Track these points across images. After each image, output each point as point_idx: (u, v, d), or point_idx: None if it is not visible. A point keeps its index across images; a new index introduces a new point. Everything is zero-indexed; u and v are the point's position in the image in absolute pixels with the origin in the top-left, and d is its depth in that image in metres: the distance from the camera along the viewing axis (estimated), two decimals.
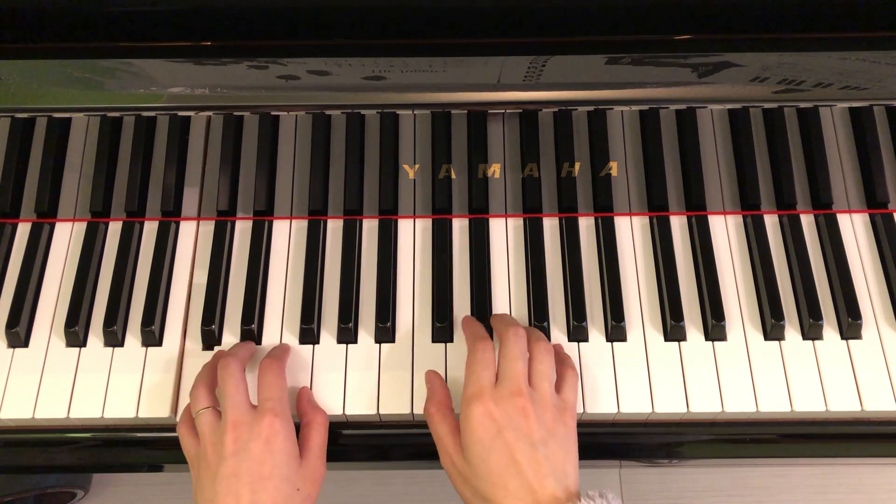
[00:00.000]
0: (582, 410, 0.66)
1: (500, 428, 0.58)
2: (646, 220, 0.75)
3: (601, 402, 0.67)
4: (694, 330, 0.70)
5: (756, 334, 0.70)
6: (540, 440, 0.58)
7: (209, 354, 0.70)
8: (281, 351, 0.68)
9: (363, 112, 0.73)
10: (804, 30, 0.67)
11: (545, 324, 0.69)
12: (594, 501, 0.56)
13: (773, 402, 0.67)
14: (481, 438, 0.59)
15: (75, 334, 0.70)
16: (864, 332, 0.70)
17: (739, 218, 0.76)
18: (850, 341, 0.70)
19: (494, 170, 0.75)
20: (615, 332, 0.70)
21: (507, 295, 0.72)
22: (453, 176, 0.75)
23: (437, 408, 0.64)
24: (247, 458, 0.59)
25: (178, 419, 0.66)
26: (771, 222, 0.75)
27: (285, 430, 0.61)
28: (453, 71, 0.66)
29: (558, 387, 0.64)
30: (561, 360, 0.67)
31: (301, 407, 0.66)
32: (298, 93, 0.66)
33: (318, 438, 0.64)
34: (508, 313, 0.71)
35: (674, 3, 0.66)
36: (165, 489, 1.34)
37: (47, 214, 0.76)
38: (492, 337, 0.67)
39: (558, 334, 0.70)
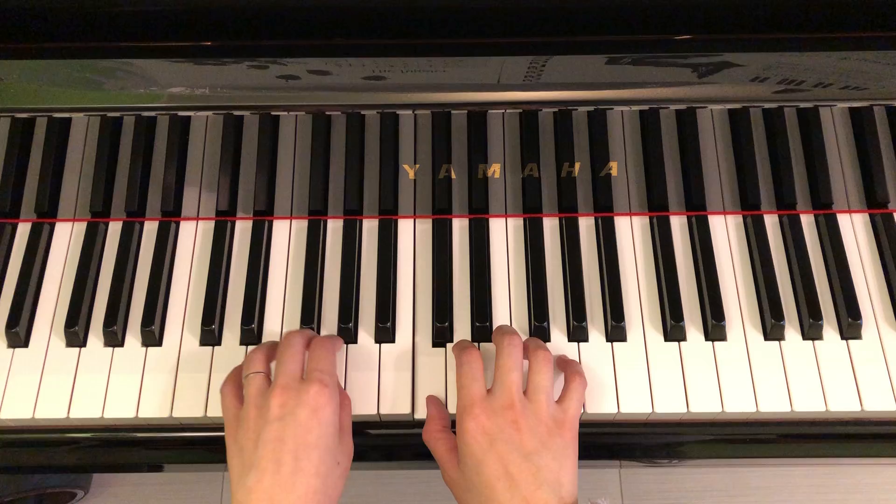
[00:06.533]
0: (582, 410, 0.66)
1: (493, 441, 0.59)
2: (646, 220, 0.75)
3: (601, 402, 0.67)
4: (694, 330, 0.70)
5: (756, 334, 0.70)
6: (533, 451, 0.58)
7: (208, 354, 0.70)
8: (336, 337, 0.69)
9: (363, 112, 0.73)
10: (804, 30, 0.67)
11: (545, 324, 0.69)
12: None
13: (773, 402, 0.67)
14: (474, 452, 0.59)
15: (75, 334, 0.70)
16: (864, 332, 0.70)
17: (739, 218, 0.76)
18: (850, 341, 0.70)
19: (494, 170, 0.75)
20: (615, 332, 0.70)
21: (507, 295, 0.72)
22: (453, 176, 0.75)
23: (434, 429, 0.64)
24: (293, 424, 0.58)
25: (222, 383, 0.66)
26: (771, 222, 0.75)
27: (332, 403, 0.60)
28: (453, 71, 0.66)
29: (562, 396, 0.64)
30: (568, 366, 0.67)
31: None
32: (298, 93, 0.66)
33: (348, 419, 0.64)
34: (509, 321, 0.71)
35: (674, 3, 0.66)
36: (165, 489, 1.34)
37: (47, 214, 0.76)
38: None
39: (558, 334, 0.70)
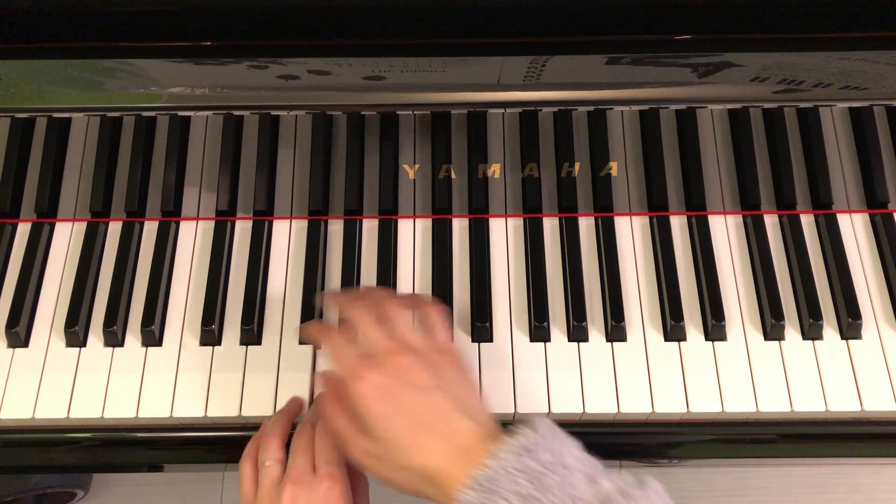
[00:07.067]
0: (582, 410, 0.66)
1: (390, 391, 0.56)
2: (646, 220, 0.75)
3: (601, 402, 0.67)
4: (694, 330, 0.70)
5: (756, 334, 0.70)
6: (432, 385, 0.56)
7: (208, 354, 0.70)
8: (324, 417, 0.65)
9: (363, 112, 0.73)
10: (804, 30, 0.67)
11: (545, 324, 0.69)
12: (524, 435, 0.53)
13: (773, 402, 0.67)
14: (378, 411, 0.56)
15: (75, 334, 0.70)
16: (864, 332, 0.70)
17: (739, 218, 0.76)
18: (850, 341, 0.70)
19: (494, 170, 0.75)
20: (615, 332, 0.70)
21: (507, 295, 0.72)
22: (453, 176, 0.75)
23: (333, 400, 0.60)
24: None
25: (243, 454, 0.64)
26: (771, 222, 0.75)
27: (344, 497, 0.59)
28: (453, 71, 0.66)
29: (426, 329, 0.62)
30: (418, 304, 0.65)
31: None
32: (298, 93, 0.66)
33: (365, 501, 0.63)
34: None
35: (674, 3, 0.66)
36: (165, 489, 1.34)
37: (47, 214, 0.76)
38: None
39: (558, 334, 0.70)
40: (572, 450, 0.53)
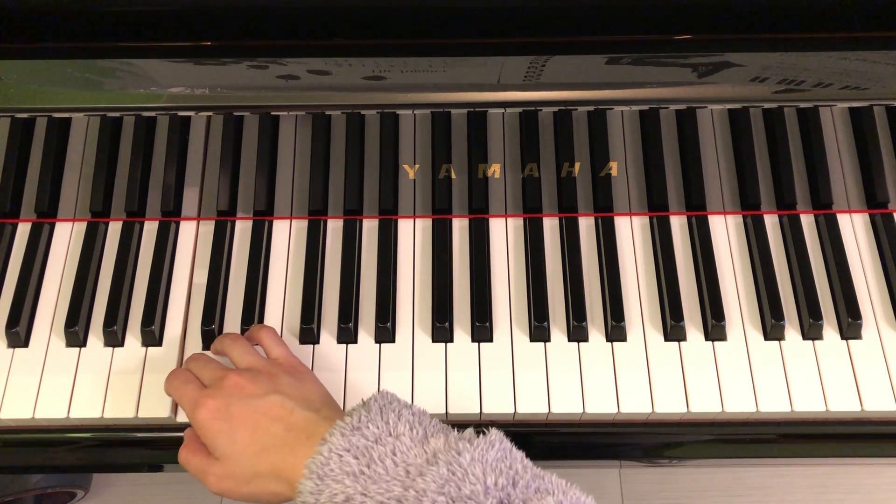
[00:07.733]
0: (582, 410, 0.66)
1: (228, 410, 0.58)
2: (646, 220, 0.75)
3: (601, 402, 0.67)
4: (694, 330, 0.70)
5: (756, 334, 0.70)
6: (266, 391, 0.58)
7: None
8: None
9: (363, 112, 0.73)
10: (804, 30, 0.67)
11: (545, 324, 0.69)
12: (354, 414, 0.54)
13: (773, 402, 0.67)
14: (218, 428, 0.57)
15: (75, 334, 0.70)
16: (864, 332, 0.70)
17: (739, 218, 0.76)
18: (850, 341, 0.70)
19: (494, 170, 0.75)
20: (615, 332, 0.70)
21: (507, 295, 0.72)
22: (453, 176, 0.75)
23: (185, 447, 0.62)
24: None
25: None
26: (771, 222, 0.75)
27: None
28: (453, 71, 0.66)
29: (268, 353, 0.65)
30: (250, 333, 0.68)
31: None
32: (298, 93, 0.66)
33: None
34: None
35: (674, 3, 0.66)
36: (165, 489, 1.34)
37: (47, 214, 0.76)
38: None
39: (558, 334, 0.70)
40: (408, 417, 0.55)
